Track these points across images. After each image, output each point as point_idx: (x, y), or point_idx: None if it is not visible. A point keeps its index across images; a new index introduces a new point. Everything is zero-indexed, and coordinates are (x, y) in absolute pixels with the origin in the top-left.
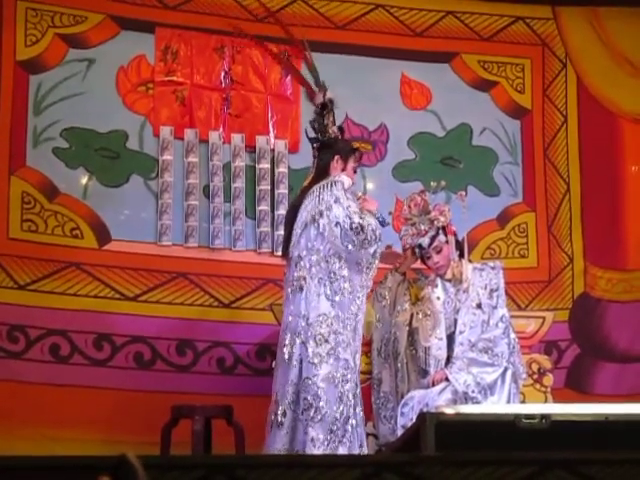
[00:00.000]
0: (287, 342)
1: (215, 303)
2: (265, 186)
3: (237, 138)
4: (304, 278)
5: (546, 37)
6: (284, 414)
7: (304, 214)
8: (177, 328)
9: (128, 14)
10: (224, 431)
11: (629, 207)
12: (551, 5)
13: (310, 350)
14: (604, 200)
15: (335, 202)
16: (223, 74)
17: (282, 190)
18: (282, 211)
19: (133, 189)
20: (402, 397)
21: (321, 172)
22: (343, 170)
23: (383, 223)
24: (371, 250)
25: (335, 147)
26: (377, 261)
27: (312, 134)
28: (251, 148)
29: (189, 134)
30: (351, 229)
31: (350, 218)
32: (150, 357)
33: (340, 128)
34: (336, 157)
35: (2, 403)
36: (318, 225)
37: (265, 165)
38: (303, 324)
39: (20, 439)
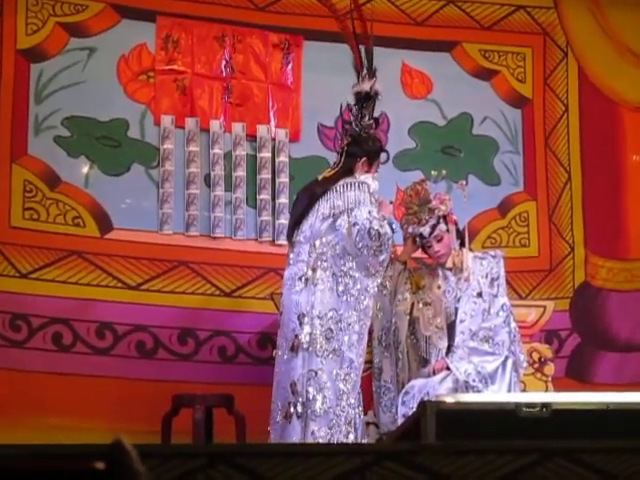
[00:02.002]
0: (300, 332)
1: (216, 292)
2: (266, 175)
3: (238, 127)
4: (315, 269)
5: (547, 26)
6: (303, 405)
7: (324, 206)
8: (179, 317)
9: (129, 3)
10: (225, 420)
11: (630, 196)
12: None
13: (318, 344)
14: (605, 189)
15: (358, 204)
16: (224, 63)
17: (283, 179)
18: (283, 200)
19: (134, 178)
20: (403, 386)
21: (347, 169)
22: (367, 172)
23: (393, 229)
24: (381, 258)
25: (364, 146)
26: (383, 270)
27: (347, 117)
28: (252, 137)
29: (190, 123)
30: (369, 234)
31: (370, 222)
32: (152, 346)
33: (376, 120)
34: (363, 159)
35: (4, 392)
36: (336, 221)
37: (266, 154)
38: (315, 316)
39: (22, 428)
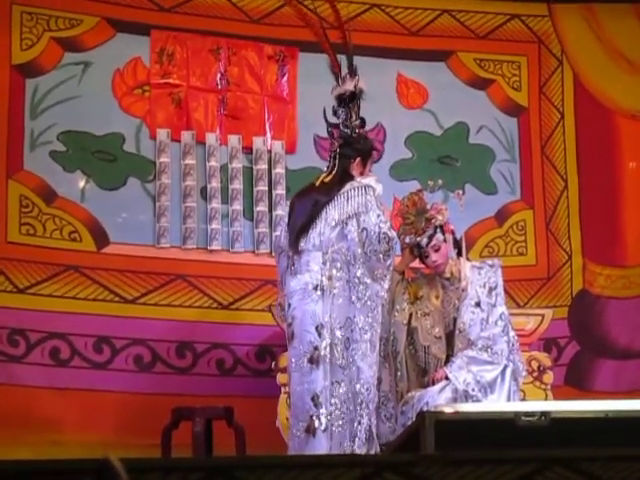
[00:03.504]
0: (319, 343)
1: (214, 305)
2: (262, 187)
3: (234, 139)
4: (331, 278)
5: (542, 34)
6: (327, 418)
7: (332, 213)
8: (176, 330)
9: (123, 17)
10: (225, 432)
11: (627, 203)
12: (546, 2)
13: (339, 354)
14: (602, 196)
15: (367, 209)
16: (219, 76)
17: (280, 191)
18: (280, 212)
19: (131, 192)
20: (402, 396)
21: (344, 172)
22: (362, 173)
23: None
24: (388, 262)
25: (357, 146)
26: (389, 275)
27: (333, 119)
28: (248, 149)
29: (186, 136)
30: (378, 238)
31: (379, 227)
32: (150, 359)
33: (362, 120)
34: (357, 159)
35: (2, 407)
36: (345, 227)
37: (262, 166)
38: (334, 326)
39: (21, 443)
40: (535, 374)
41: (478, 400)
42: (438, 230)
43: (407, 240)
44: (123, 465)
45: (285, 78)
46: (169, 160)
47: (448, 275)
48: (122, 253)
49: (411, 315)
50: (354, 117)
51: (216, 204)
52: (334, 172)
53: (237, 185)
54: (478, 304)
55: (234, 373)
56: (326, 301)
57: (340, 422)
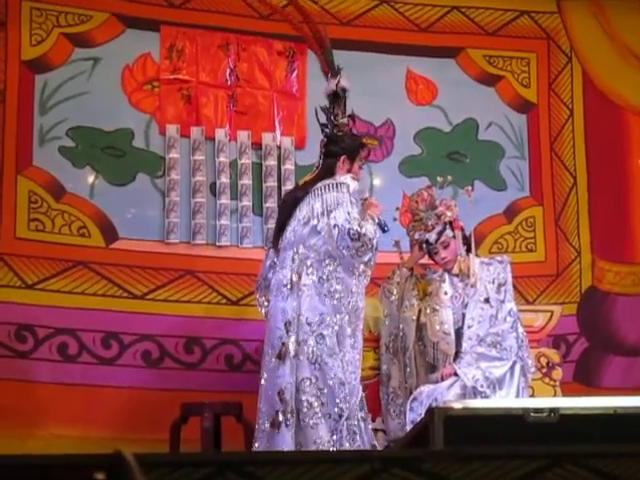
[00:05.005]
0: (287, 340)
1: (223, 300)
2: (272, 183)
3: (243, 135)
4: (300, 275)
5: (551, 31)
6: (292, 414)
7: (305, 210)
8: (185, 326)
9: (133, 12)
10: (234, 428)
11: (636, 199)
12: None
13: (309, 351)
14: (611, 193)
15: (338, 205)
16: (228, 71)
17: (289, 187)
18: None
19: (140, 187)
20: (411, 392)
21: (327, 170)
22: (349, 170)
23: (384, 228)
24: (365, 258)
25: (342, 144)
26: (370, 270)
27: (323, 119)
28: (257, 145)
29: (195, 132)
30: (349, 235)
31: (349, 223)
32: (158, 355)
33: (351, 117)
34: (343, 157)
35: (11, 402)
36: (318, 225)
37: (272, 162)
38: (303, 322)
39: (30, 438)
40: (544, 370)
41: (487, 396)
42: (447, 226)
43: (416, 236)
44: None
45: (294, 74)
46: (178, 156)
47: (457, 271)
48: (131, 249)
49: (420, 311)
50: (340, 115)
51: (225, 200)
52: (317, 171)
53: (246, 181)
54: (487, 300)
55: (243, 369)
56: (295, 298)
57: (315, 418)
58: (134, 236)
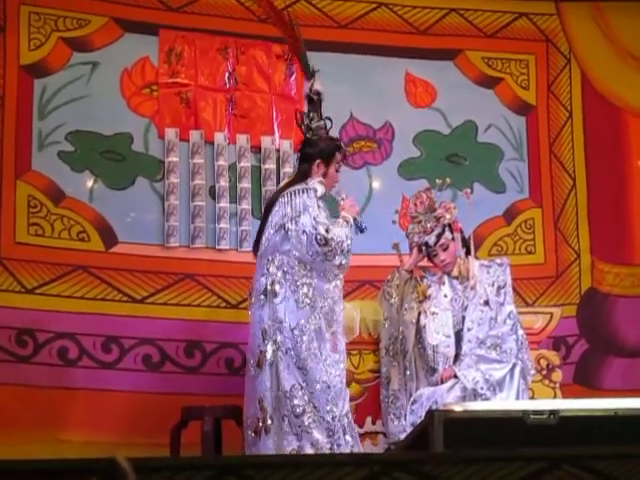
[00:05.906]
0: (264, 347)
1: (223, 304)
2: (271, 186)
3: (242, 139)
4: (274, 282)
5: (550, 33)
6: (272, 420)
7: (275, 217)
8: (185, 329)
9: (131, 17)
10: (234, 432)
11: (635, 201)
12: (554, 1)
13: (287, 358)
14: (610, 195)
15: (304, 210)
16: (227, 75)
17: None
18: None
19: (139, 191)
20: (411, 395)
21: (302, 175)
22: (325, 174)
23: (361, 229)
24: (336, 262)
25: (317, 148)
26: (343, 273)
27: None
28: (256, 149)
29: (194, 135)
30: (316, 240)
31: (316, 229)
32: (159, 359)
33: (328, 119)
34: (317, 161)
35: (12, 407)
36: (288, 230)
37: (271, 165)
38: (281, 328)
39: (30, 443)
40: (544, 372)
41: (487, 398)
42: (446, 229)
43: (415, 239)
44: (131, 464)
45: (293, 77)
46: (177, 159)
47: (456, 274)
48: (130, 253)
49: (420, 314)
50: (316, 119)
51: (224, 203)
52: (293, 176)
53: (245, 184)
54: (487, 303)
55: (243, 372)
56: (269, 305)
57: (309, 422)
58: (134, 240)
